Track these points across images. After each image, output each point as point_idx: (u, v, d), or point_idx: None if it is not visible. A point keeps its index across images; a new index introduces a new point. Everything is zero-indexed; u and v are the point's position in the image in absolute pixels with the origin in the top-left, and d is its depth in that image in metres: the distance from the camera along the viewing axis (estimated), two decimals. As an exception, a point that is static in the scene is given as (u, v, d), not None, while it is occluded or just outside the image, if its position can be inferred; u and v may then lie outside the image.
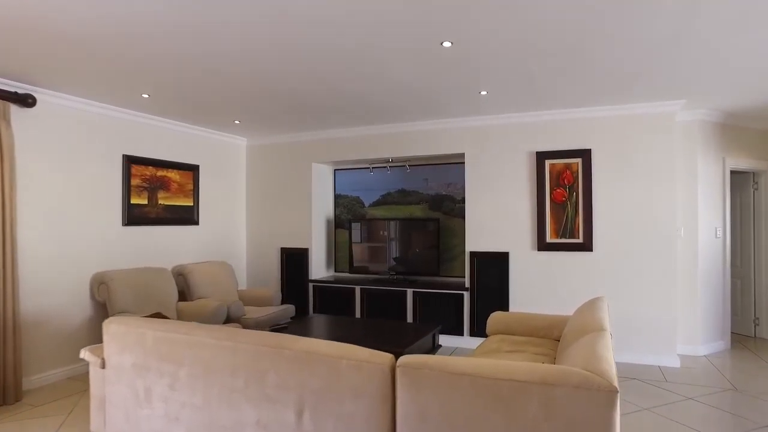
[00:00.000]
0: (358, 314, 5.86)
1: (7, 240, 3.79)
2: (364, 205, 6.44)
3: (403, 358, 2.18)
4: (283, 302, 6.25)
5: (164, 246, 5.33)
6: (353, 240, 6.17)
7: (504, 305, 5.23)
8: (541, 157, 5.10)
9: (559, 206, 5.04)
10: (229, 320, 4.95)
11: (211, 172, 6.00)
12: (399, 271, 5.89)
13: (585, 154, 4.93)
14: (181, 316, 4.87)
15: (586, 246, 4.92)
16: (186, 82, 4.01)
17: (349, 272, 6.26)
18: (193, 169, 5.70)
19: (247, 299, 5.70)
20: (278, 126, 5.76)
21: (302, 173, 6.26)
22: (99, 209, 4.63)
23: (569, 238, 5.00)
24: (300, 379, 2.32)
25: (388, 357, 2.21)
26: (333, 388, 2.24)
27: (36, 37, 3.07)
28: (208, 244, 5.95)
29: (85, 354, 3.09)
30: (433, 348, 4.37)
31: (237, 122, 5.50)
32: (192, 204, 5.69)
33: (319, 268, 6.30)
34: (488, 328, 4.19)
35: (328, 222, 6.54)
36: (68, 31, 2.98)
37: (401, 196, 6.22)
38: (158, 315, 3.61)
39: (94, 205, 4.59)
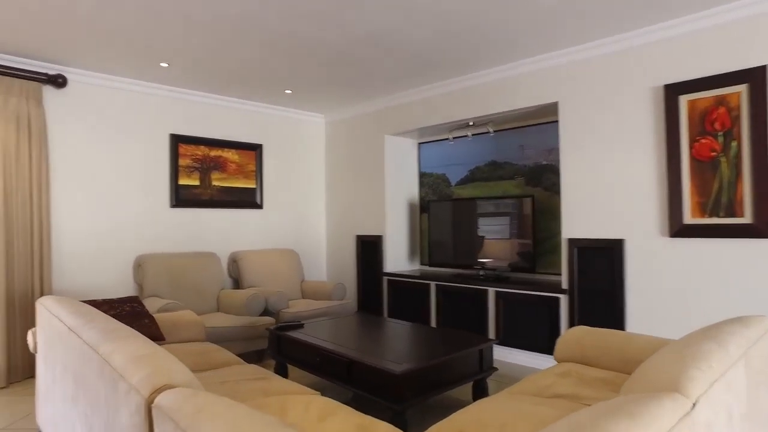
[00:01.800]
0: (433, 315, 4.74)
1: (43, 221, 3.83)
2: (450, 183, 5.25)
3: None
4: (359, 297, 5.48)
5: (220, 230, 5.04)
6: (432, 226, 5.04)
7: (616, 317, 3.55)
8: (673, 91, 3.29)
9: (705, 166, 3.19)
10: (267, 312, 4.38)
11: (278, 152, 5.55)
12: (485, 265, 4.58)
13: (754, 76, 2.99)
14: (220, 305, 4.49)
15: (759, 229, 2.99)
16: (228, 50, 3.67)
17: (429, 265, 5.15)
18: (255, 149, 5.31)
19: (308, 291, 5.09)
20: (336, 94, 5.00)
21: (374, 148, 5.38)
22: (144, 190, 4.52)
23: (726, 216, 3.11)
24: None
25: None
26: None
27: (61, 15, 2.98)
28: (275, 230, 5.50)
29: (29, 337, 2.79)
30: (481, 370, 3.08)
31: (288, 92, 4.91)
32: (254, 186, 5.31)
33: (397, 260, 5.34)
34: (558, 351, 2.78)
35: (411, 205, 5.53)
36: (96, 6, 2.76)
37: (491, 170, 4.86)
38: (133, 299, 3.18)
39: (138, 186, 4.48)
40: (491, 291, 4.30)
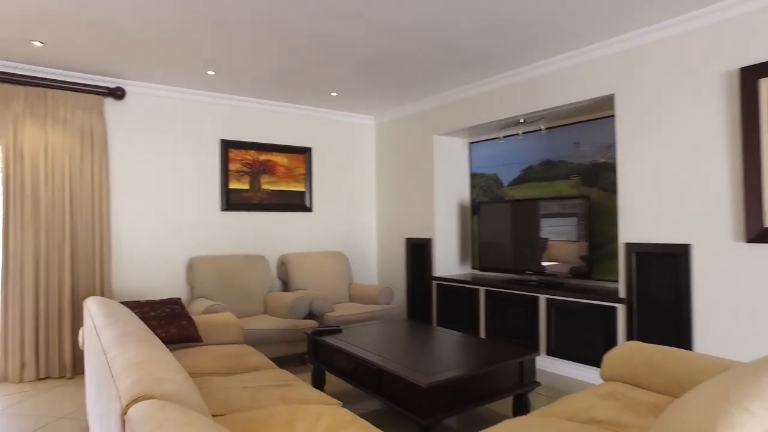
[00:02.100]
0: (482, 322, 4.53)
1: (103, 225, 4.08)
2: (502, 184, 5.00)
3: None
4: (408, 302, 5.37)
5: (270, 233, 5.12)
6: (481, 229, 4.82)
7: (681, 332, 3.18)
8: (751, 74, 2.89)
9: (787, 162, 2.76)
10: (311, 315, 4.39)
11: (328, 155, 5.57)
12: (537, 270, 4.30)
13: None
14: (267, 308, 4.55)
15: None
16: (270, 55, 3.74)
17: (479, 269, 4.93)
18: (304, 152, 5.36)
19: (355, 295, 5.05)
20: (382, 95, 4.92)
21: (423, 149, 5.25)
22: (196, 195, 4.69)
23: (814, 219, 2.68)
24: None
25: None
26: None
27: (117, 33, 3.22)
28: (324, 233, 5.52)
29: (80, 334, 2.96)
30: (521, 384, 2.87)
31: (334, 94, 4.90)
32: (303, 189, 5.36)
33: (447, 263, 5.17)
34: (604, 369, 2.53)
35: (462, 207, 5.33)
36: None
37: (546, 170, 4.57)
38: (175, 301, 3.28)
39: (191, 190, 4.66)
40: (542, 298, 4.02)
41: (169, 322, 3.04)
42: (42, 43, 3.45)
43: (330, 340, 3.28)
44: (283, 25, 3.21)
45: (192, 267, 4.43)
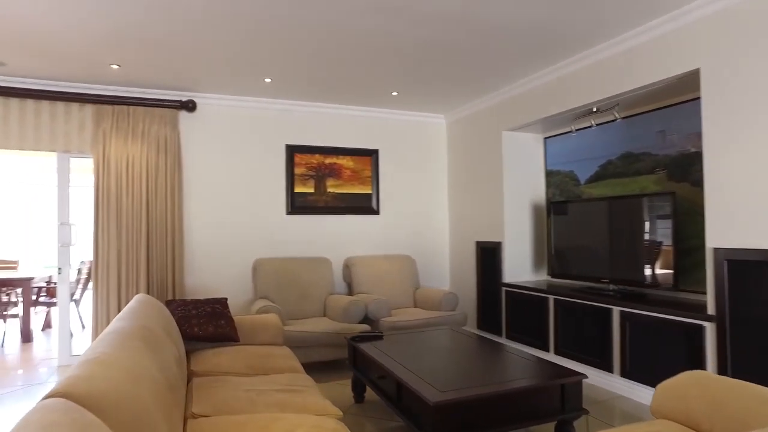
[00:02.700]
0: (551, 335, 4.09)
1: (176, 228, 4.43)
2: (579, 181, 4.47)
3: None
4: (479, 310, 5.05)
5: (336, 236, 5.15)
6: (554, 232, 4.35)
7: (785, 361, 2.53)
8: None
9: None
10: (367, 320, 4.31)
11: (396, 156, 5.46)
12: (615, 278, 3.76)
13: None
14: (326, 310, 4.57)
15: None
16: (320, 59, 3.79)
17: (552, 276, 4.45)
18: (370, 154, 5.32)
19: (419, 300, 4.88)
20: (446, 91, 4.68)
21: (491, 145, 4.90)
22: (263, 199, 4.88)
23: None
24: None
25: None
26: None
27: (185, 52, 3.53)
28: (391, 236, 5.41)
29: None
30: (563, 410, 2.49)
31: (395, 93, 4.78)
32: (370, 192, 5.31)
33: (519, 269, 4.75)
34: (655, 403, 2.13)
35: (536, 208, 4.87)
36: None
37: (626, 164, 3.98)
38: (219, 301, 3.41)
39: (258, 194, 4.86)
40: (615, 311, 3.49)
41: (207, 320, 3.17)
42: (118, 65, 3.83)
43: (364, 346, 3.16)
44: (325, 26, 3.18)
45: (256, 268, 4.61)
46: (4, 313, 5.13)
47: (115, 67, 3.85)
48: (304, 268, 4.70)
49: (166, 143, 4.42)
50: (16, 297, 5.23)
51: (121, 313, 2.38)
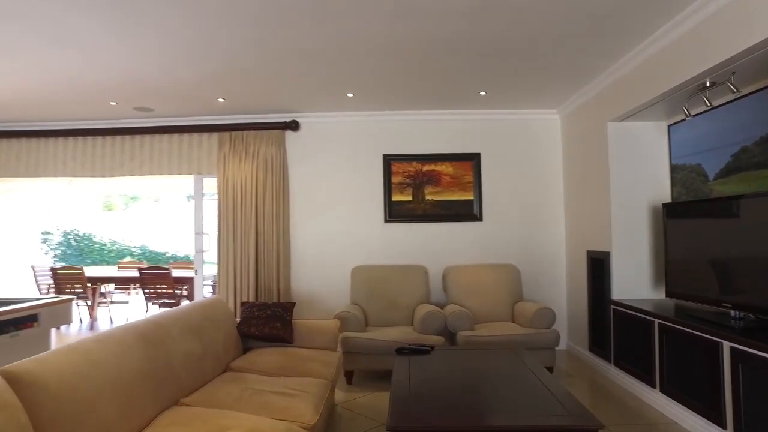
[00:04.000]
0: (656, 367, 3.33)
1: (284, 238, 4.97)
2: (707, 177, 3.54)
3: None
4: (590, 329, 4.39)
5: (435, 244, 5.06)
6: (669, 241, 3.52)
7: None
8: None
9: None
10: (446, 332, 4.15)
11: (500, 159, 5.09)
12: (741, 303, 2.88)
13: None
14: (414, 319, 4.53)
15: None
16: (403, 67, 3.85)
17: (667, 295, 3.60)
18: (471, 159, 5.08)
19: (517, 314, 4.48)
20: (542, 83, 4.21)
21: (596, 140, 4.21)
22: (361, 208, 5.09)
23: None
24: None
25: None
26: None
27: (279, 78, 4.02)
28: (494, 244, 5.05)
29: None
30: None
31: (483, 93, 4.49)
32: (471, 198, 5.07)
33: (631, 284, 3.98)
34: None
35: (654, 212, 4.01)
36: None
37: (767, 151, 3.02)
38: (283, 305, 3.69)
39: (356, 204, 5.09)
40: (726, 347, 2.68)
41: (265, 322, 3.48)
42: (223, 99, 4.50)
43: (400, 359, 3.08)
44: (401, 35, 3.23)
45: (353, 275, 4.82)
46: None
47: (221, 100, 4.53)
48: (395, 276, 4.74)
49: (273, 161, 4.98)
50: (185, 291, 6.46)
51: (164, 311, 2.82)
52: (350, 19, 2.98)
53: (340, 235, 5.10)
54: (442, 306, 4.63)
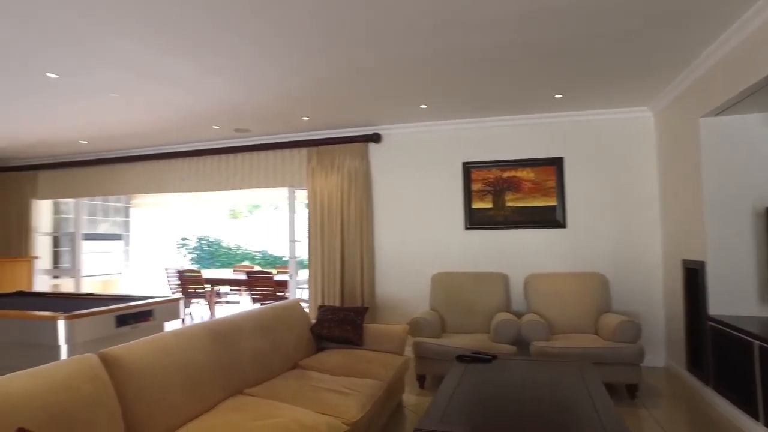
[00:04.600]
0: (759, 395, 2.96)
1: (367, 245, 5.24)
2: (821, 175, 3.05)
3: None
4: (687, 346, 4.00)
5: (517, 251, 4.95)
6: (774, 248, 3.10)
7: None
8: None
9: None
10: (520, 341, 4.08)
11: (585, 162, 4.82)
12: None
13: None
14: (491, 326, 4.50)
15: None
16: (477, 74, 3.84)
17: (772, 311, 3.15)
18: (554, 163, 4.89)
19: (602, 326, 4.24)
20: (629, 80, 3.96)
21: (688, 137, 3.82)
22: (441, 216, 5.17)
23: None
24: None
25: None
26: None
27: (361, 94, 4.28)
28: (581, 251, 4.78)
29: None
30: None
31: (558, 96, 4.32)
32: (554, 203, 4.87)
33: (734, 298, 3.54)
34: None
35: (760, 217, 3.52)
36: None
37: None
38: (356, 309, 3.92)
39: (436, 212, 5.18)
40: (824, 372, 2.32)
41: (336, 325, 3.73)
42: (307, 117, 4.90)
43: (457, 366, 3.13)
44: (472, 45, 3.27)
45: (432, 282, 4.92)
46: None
47: (305, 118, 4.93)
48: (474, 284, 4.74)
49: (357, 172, 5.27)
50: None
51: (240, 311, 3.20)
52: (423, 37, 3.09)
53: (421, 242, 5.22)
54: (521, 314, 4.53)
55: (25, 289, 6.00)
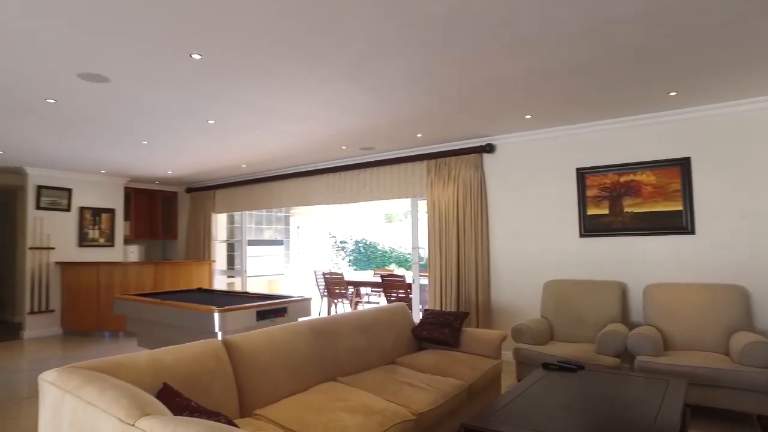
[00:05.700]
0: None
1: (483, 253, 5.47)
2: None
3: None
4: None
5: (636, 258, 4.66)
6: None
7: None
8: None
9: None
10: (622, 353, 3.95)
11: (717, 162, 4.33)
12: None
13: None
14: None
15: None
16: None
17: None
18: (679, 164, 4.49)
19: (733, 344, 3.84)
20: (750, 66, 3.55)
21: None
22: (555, 223, 5.12)
23: None
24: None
25: None
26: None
27: (469, 109, 4.58)
28: (713, 261, 4.30)
29: (409, 327, 4.54)
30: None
31: (673, 94, 4.00)
32: (680, 208, 4.48)
33: None
34: None
35: None
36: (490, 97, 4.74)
37: None
38: (455, 314, 4.19)
39: (550, 219, 5.15)
40: None
41: (435, 327, 4.07)
42: (421, 134, 5.32)
43: (536, 372, 3.24)
44: (577, 51, 3.22)
45: (544, 289, 4.93)
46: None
47: (419, 135, 5.36)
48: (585, 292, 4.64)
49: (472, 182, 5.52)
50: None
51: (344, 312, 3.75)
52: (532, 50, 3.17)
53: (535, 249, 5.25)
54: (638, 326, 4.30)
55: (204, 286, 7.56)
